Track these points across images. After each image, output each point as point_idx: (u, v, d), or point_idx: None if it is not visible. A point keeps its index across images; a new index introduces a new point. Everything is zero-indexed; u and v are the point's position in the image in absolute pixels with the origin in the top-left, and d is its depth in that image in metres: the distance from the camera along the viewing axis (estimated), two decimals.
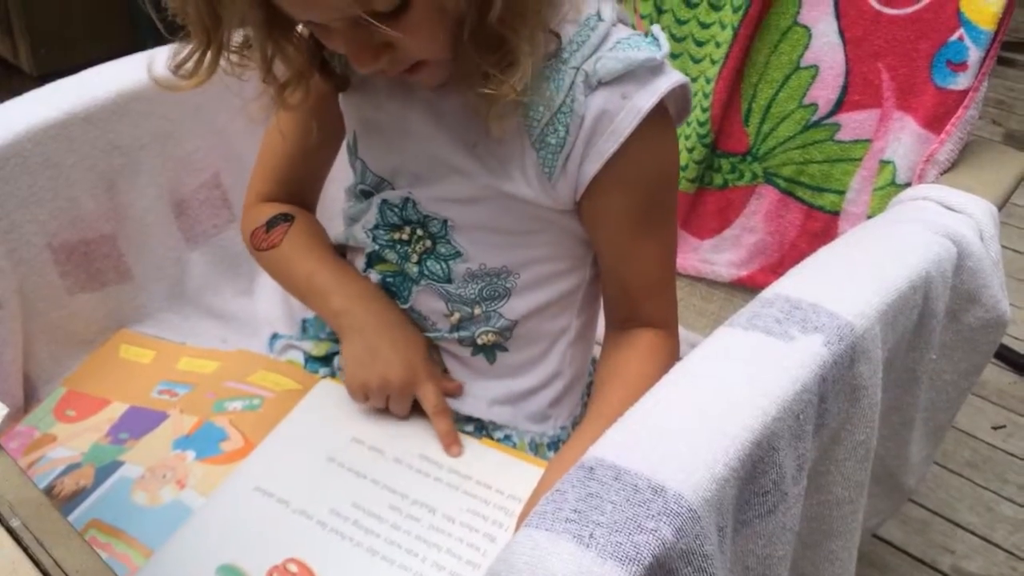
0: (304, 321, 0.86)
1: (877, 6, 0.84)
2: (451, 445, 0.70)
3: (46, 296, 0.82)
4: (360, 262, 0.75)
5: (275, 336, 0.84)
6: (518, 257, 0.69)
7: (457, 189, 0.66)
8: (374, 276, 0.74)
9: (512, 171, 0.64)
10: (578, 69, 0.61)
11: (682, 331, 1.00)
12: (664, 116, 0.63)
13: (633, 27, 0.65)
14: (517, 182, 0.64)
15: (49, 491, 0.70)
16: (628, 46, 0.61)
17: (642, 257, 0.67)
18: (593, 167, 0.62)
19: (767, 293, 0.61)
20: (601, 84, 0.61)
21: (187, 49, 0.60)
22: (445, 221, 0.68)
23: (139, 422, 0.74)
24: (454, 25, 0.56)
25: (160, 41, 0.61)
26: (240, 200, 0.95)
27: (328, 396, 0.74)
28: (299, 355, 0.82)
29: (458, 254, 0.69)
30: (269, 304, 0.95)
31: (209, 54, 0.59)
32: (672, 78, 0.62)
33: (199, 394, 0.75)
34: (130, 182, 0.87)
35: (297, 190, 0.80)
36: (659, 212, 0.66)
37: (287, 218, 0.79)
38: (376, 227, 0.71)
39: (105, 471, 0.70)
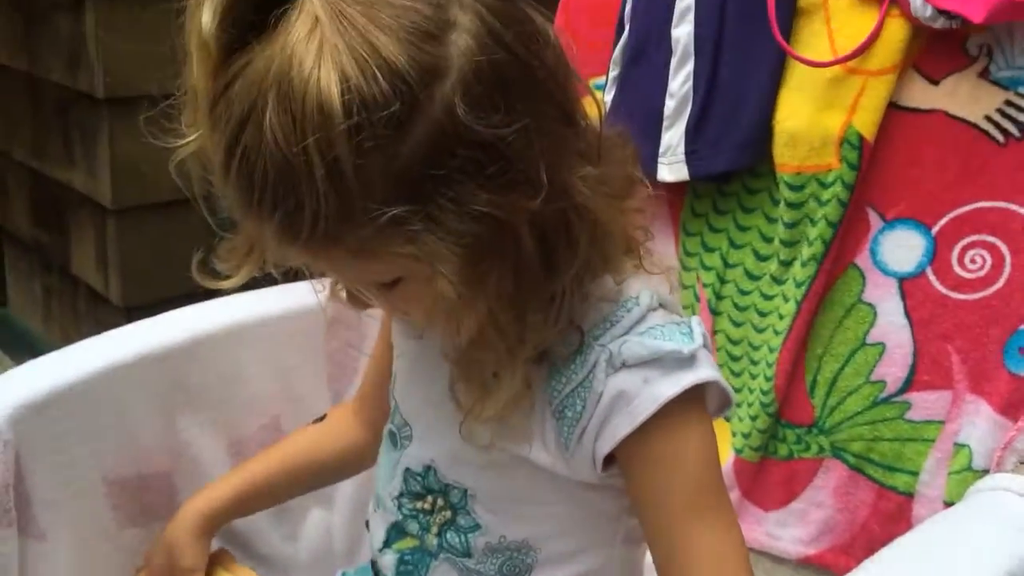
0: (343, 574, 0.83)
1: (943, 290, 0.84)
2: None
3: (95, 529, 0.82)
4: (380, 534, 0.73)
5: None
6: (540, 530, 0.66)
7: (475, 451, 0.65)
8: (390, 556, 0.72)
9: (532, 436, 0.63)
10: (605, 347, 0.61)
11: None
12: (690, 408, 0.61)
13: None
14: (536, 449, 0.63)
15: None
16: (659, 334, 0.61)
17: (687, 555, 0.62)
18: (606, 446, 0.61)
19: None
20: (625, 366, 0.60)
21: (233, 243, 0.62)
22: (465, 491, 0.67)
23: None
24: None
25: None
26: None
27: None
28: None
29: (477, 526, 0.67)
30: (310, 554, 0.93)
31: (252, 258, 0.61)
32: (700, 373, 0.60)
33: None
34: (191, 420, 0.88)
35: (372, 413, 0.83)
36: (694, 505, 0.62)
37: (320, 419, 0.85)
38: (401, 495, 0.71)
39: None
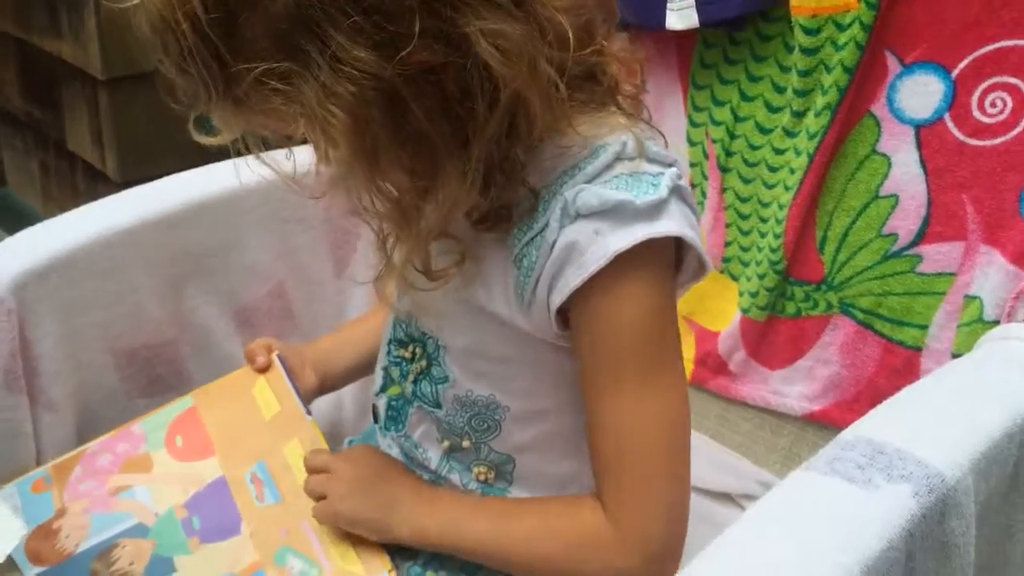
0: (350, 441, 0.83)
1: (961, 136, 0.82)
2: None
3: (104, 400, 0.83)
4: (379, 379, 0.74)
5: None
6: (507, 388, 0.66)
7: (442, 301, 0.63)
8: (383, 401, 0.73)
9: (493, 286, 0.62)
10: (562, 196, 0.58)
11: (751, 467, 0.95)
12: (646, 265, 0.58)
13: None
14: (496, 299, 0.62)
15: (107, 553, 0.69)
16: (620, 184, 0.57)
17: (603, 418, 0.60)
18: (558, 298, 0.59)
19: (847, 434, 0.56)
20: (579, 216, 0.57)
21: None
22: (437, 341, 0.67)
23: (216, 510, 0.71)
24: None
25: None
26: (304, 312, 0.96)
27: None
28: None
29: (446, 379, 0.67)
30: (321, 424, 0.93)
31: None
32: (657, 227, 0.57)
33: (275, 521, 0.70)
34: (196, 287, 0.87)
35: None
36: (629, 370, 0.59)
37: None
38: (390, 341, 0.72)
39: (158, 567, 0.68)
